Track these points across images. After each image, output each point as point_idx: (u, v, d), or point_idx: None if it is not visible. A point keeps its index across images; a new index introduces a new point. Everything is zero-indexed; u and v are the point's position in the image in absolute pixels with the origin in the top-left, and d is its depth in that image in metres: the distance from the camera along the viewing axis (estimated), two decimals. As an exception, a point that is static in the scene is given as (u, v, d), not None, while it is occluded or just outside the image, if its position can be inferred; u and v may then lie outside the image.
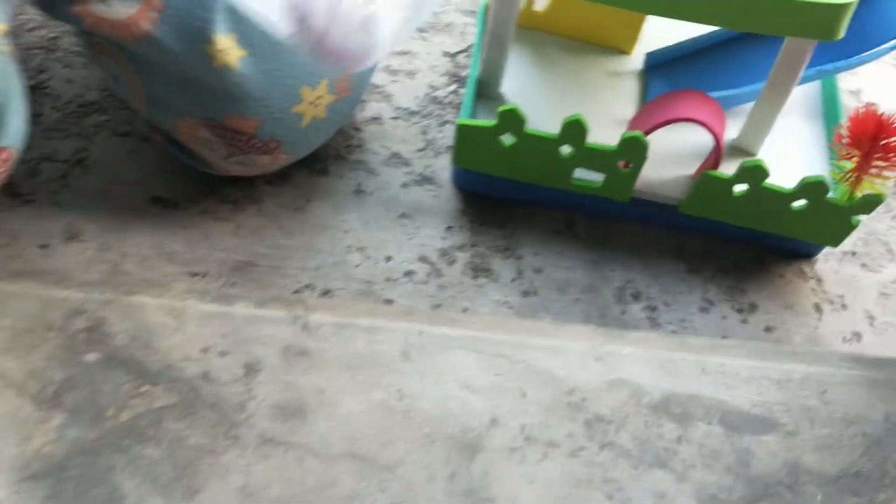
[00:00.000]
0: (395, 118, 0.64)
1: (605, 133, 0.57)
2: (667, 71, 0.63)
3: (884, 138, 0.49)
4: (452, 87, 0.67)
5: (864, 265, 0.61)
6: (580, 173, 0.57)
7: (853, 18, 0.54)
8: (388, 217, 0.59)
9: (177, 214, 0.58)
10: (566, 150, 0.55)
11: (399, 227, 0.59)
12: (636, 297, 0.58)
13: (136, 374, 0.40)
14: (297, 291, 0.54)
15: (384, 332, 0.43)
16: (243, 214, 0.58)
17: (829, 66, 0.58)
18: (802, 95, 0.64)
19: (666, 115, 0.54)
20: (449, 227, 0.59)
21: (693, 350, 0.45)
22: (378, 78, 0.66)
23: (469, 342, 0.44)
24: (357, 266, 0.56)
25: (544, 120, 0.57)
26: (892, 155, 0.50)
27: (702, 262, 0.60)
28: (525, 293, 0.57)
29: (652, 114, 0.55)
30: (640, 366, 0.44)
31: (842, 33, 0.49)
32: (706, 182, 0.55)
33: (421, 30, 0.69)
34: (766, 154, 0.60)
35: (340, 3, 0.43)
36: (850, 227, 0.56)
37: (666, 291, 0.58)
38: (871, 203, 0.53)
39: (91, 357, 0.41)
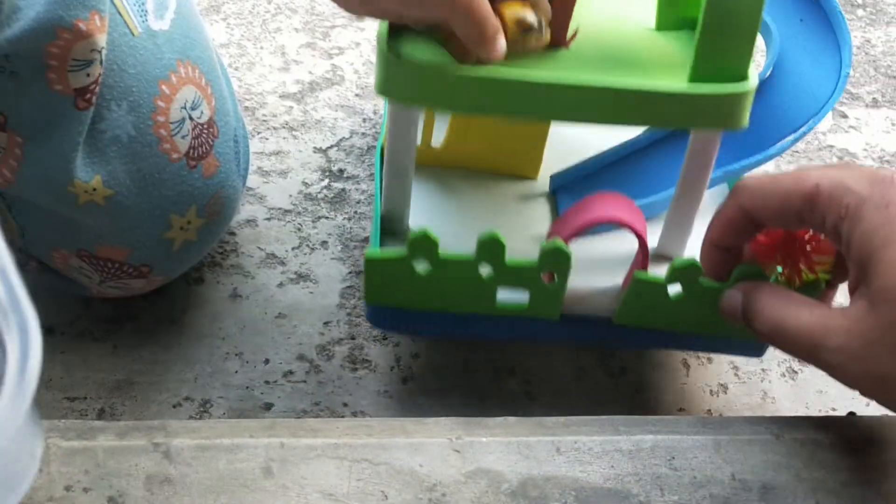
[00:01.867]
0: (268, 219, 0.66)
1: (523, 251, 0.54)
2: (576, 190, 0.62)
3: (799, 246, 0.49)
4: (325, 182, 0.69)
5: (726, 317, 0.65)
6: (504, 295, 0.53)
7: (753, 116, 0.52)
8: (265, 319, 0.61)
9: (54, 340, 0.58)
10: (485, 270, 0.51)
11: (276, 327, 0.60)
12: (511, 372, 0.60)
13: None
14: (175, 406, 0.55)
15: (245, 449, 0.44)
16: (120, 333, 0.59)
17: (735, 166, 0.58)
18: (712, 200, 0.63)
19: (583, 218, 0.51)
20: (326, 323, 0.61)
21: (549, 430, 0.47)
22: (251, 181, 0.68)
23: (331, 450, 0.45)
24: (235, 372, 0.58)
25: (457, 249, 0.53)
26: (813, 256, 0.50)
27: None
28: (404, 380, 0.59)
29: (568, 221, 0.53)
30: (499, 453, 0.46)
31: (746, 122, 0.49)
32: (639, 286, 0.52)
33: (292, 128, 0.72)
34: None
35: None
36: None
37: (540, 364, 0.61)
38: (813, 290, 0.51)
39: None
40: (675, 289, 0.52)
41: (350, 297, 0.62)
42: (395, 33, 0.49)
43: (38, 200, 0.49)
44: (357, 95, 0.74)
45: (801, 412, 0.60)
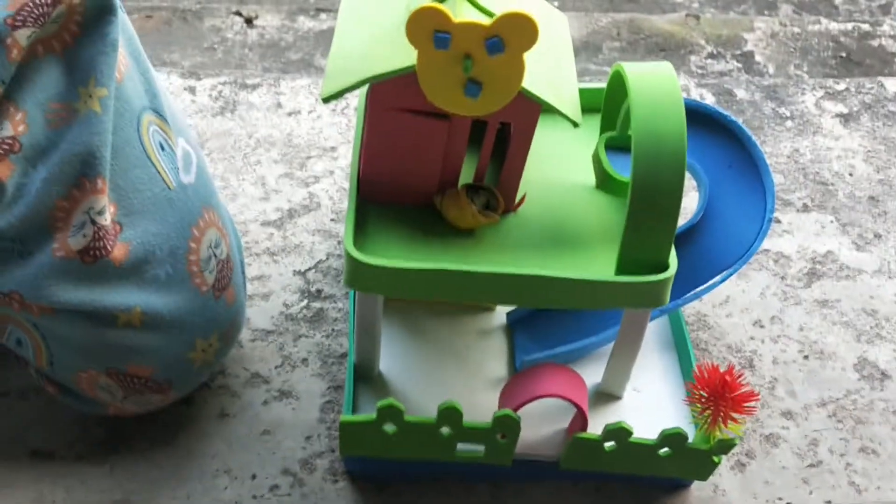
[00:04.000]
0: (253, 340, 0.71)
1: (482, 397, 0.63)
2: (530, 324, 0.68)
3: (730, 393, 0.56)
4: (304, 303, 0.75)
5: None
6: (462, 446, 0.60)
7: (685, 257, 0.61)
8: (251, 436, 0.65)
9: (55, 465, 0.62)
10: (445, 430, 0.59)
11: (262, 443, 0.65)
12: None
13: None
14: (169, 523, 0.59)
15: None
16: (115, 455, 0.63)
17: (669, 305, 0.64)
18: (655, 326, 0.70)
19: (530, 393, 0.58)
20: (308, 437, 0.66)
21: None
22: (236, 304, 0.74)
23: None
24: (225, 489, 0.62)
25: (424, 392, 0.64)
26: (739, 407, 0.56)
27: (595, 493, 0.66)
28: (380, 490, 0.63)
29: (517, 391, 0.60)
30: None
31: (667, 301, 0.56)
32: (577, 443, 0.60)
33: (273, 253, 0.78)
34: (629, 395, 0.66)
35: None
36: (712, 465, 0.61)
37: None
38: (725, 447, 0.59)
39: None
40: (610, 444, 0.60)
41: (329, 411, 0.67)
42: (361, 232, 0.57)
43: (77, 325, 0.55)
44: (332, 220, 0.81)
45: (751, 503, 0.65)
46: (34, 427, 0.64)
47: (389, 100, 0.53)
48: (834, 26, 1.27)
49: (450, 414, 0.57)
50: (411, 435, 0.59)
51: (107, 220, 0.53)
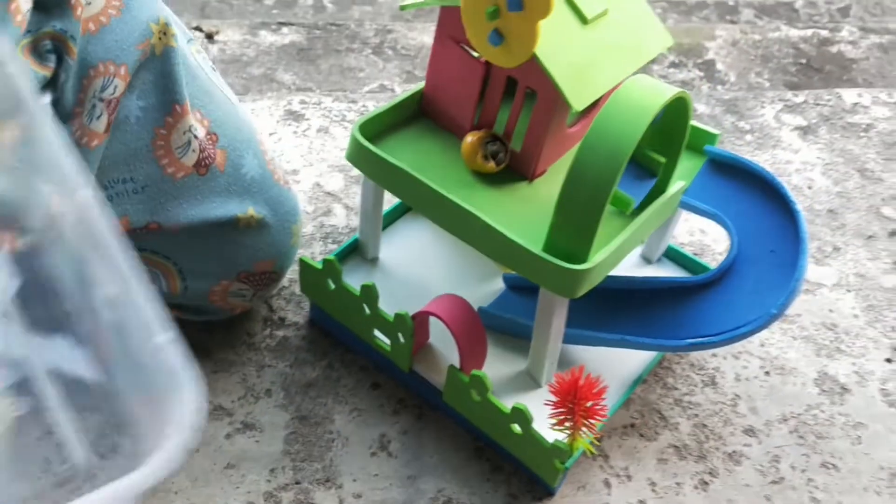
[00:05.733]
0: (215, 371, 0.71)
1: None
2: (519, 292, 0.73)
3: (583, 401, 0.57)
4: (267, 331, 0.74)
5: (642, 435, 0.70)
6: (379, 335, 0.68)
7: (701, 300, 0.65)
8: (214, 470, 0.65)
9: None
10: (366, 310, 0.66)
11: (226, 478, 0.64)
12: (447, 502, 0.65)
13: None
14: (131, 564, 0.59)
15: None
16: (79, 492, 0.62)
17: (681, 343, 0.65)
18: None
19: (427, 307, 0.64)
20: (272, 470, 0.65)
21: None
22: (198, 337, 0.73)
23: None
24: (188, 526, 0.61)
25: (402, 289, 0.73)
26: (591, 413, 0.57)
27: (502, 460, 0.67)
28: (347, 519, 0.63)
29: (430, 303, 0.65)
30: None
31: (577, 294, 0.58)
32: (451, 378, 0.64)
33: (235, 280, 0.77)
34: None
35: None
36: (554, 469, 0.62)
37: (474, 493, 0.65)
38: (560, 452, 0.60)
39: None
40: (476, 395, 0.64)
41: (294, 442, 0.67)
42: (391, 130, 0.67)
43: (210, 239, 0.64)
44: (295, 244, 0.80)
45: (714, 522, 0.66)
46: None
47: (448, 29, 0.63)
48: (794, 33, 1.29)
49: (369, 293, 0.65)
50: (343, 298, 0.68)
51: (201, 133, 0.62)
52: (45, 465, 0.52)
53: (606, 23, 0.61)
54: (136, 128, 0.60)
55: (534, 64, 0.57)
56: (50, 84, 0.55)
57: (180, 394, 0.37)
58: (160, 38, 0.60)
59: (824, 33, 1.29)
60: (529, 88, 0.61)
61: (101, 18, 0.57)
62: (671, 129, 0.62)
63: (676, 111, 0.60)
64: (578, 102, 0.58)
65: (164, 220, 0.62)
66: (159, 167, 0.61)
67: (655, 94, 0.55)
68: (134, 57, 0.58)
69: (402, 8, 0.64)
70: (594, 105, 0.64)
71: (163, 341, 0.38)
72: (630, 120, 0.54)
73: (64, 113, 0.56)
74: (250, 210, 0.65)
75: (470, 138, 0.64)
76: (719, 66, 1.22)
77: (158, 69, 0.60)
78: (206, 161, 0.63)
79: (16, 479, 0.50)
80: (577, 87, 0.58)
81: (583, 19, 0.60)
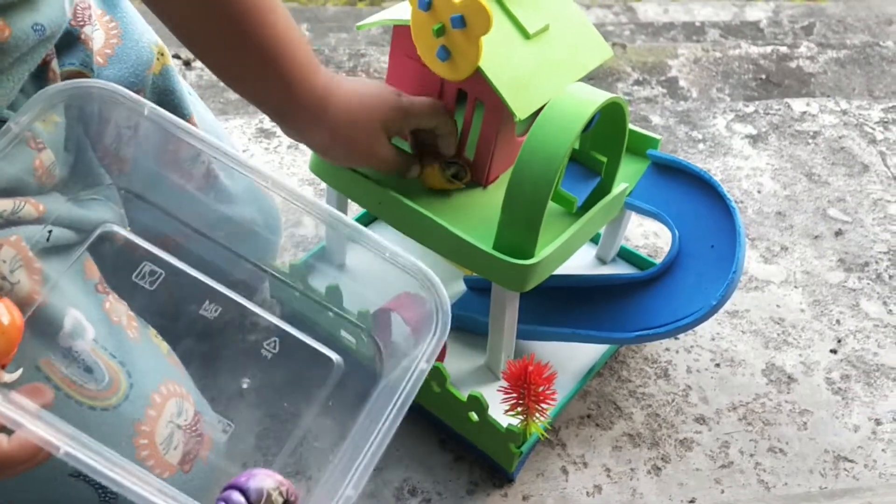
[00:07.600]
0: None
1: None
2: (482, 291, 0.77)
3: (533, 386, 0.60)
4: (241, 336, 0.78)
5: (597, 425, 0.74)
6: None
7: (648, 296, 0.69)
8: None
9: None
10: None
11: (200, 472, 0.68)
12: (413, 492, 0.68)
13: None
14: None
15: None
16: None
17: (619, 335, 0.69)
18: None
19: (386, 304, 0.66)
20: (244, 464, 0.68)
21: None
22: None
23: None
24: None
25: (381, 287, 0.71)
26: (541, 399, 0.60)
27: (464, 451, 0.71)
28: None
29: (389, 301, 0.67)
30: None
31: (525, 288, 0.62)
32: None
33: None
34: None
35: None
36: (510, 454, 0.65)
37: (438, 481, 0.69)
38: (514, 436, 0.63)
39: None
40: (435, 385, 0.66)
41: (265, 437, 0.70)
42: None
43: None
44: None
45: (666, 504, 0.69)
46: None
47: (402, 46, 0.67)
48: (754, 50, 1.34)
49: (334, 293, 0.66)
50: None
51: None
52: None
53: (548, 37, 0.66)
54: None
55: (479, 77, 0.62)
56: None
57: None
58: (158, 59, 0.64)
59: (783, 49, 1.35)
60: (478, 99, 0.66)
61: (106, 51, 0.61)
62: (611, 132, 0.67)
63: (613, 115, 0.65)
64: (522, 112, 0.62)
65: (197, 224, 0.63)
66: None
67: (589, 100, 0.59)
68: (148, 81, 0.63)
69: (359, 27, 0.68)
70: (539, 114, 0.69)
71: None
72: (565, 124, 0.58)
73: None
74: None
75: (428, 170, 0.68)
76: (682, 82, 1.27)
77: (161, 87, 0.64)
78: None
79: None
80: (520, 97, 0.62)
81: (525, 35, 0.65)
